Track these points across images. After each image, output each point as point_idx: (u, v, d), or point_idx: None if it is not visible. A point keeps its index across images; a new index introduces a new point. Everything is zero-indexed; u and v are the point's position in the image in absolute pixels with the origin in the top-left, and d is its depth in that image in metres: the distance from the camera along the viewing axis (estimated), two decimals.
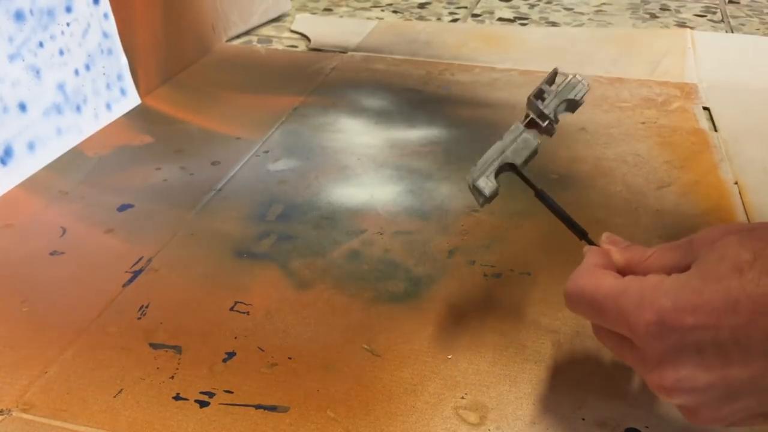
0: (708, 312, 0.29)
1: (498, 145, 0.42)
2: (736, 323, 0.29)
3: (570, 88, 0.42)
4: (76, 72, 0.71)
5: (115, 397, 0.42)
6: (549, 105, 0.41)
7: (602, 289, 0.33)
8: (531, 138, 0.42)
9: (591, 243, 0.39)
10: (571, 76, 0.42)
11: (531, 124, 0.42)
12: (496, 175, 0.41)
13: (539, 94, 0.42)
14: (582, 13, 1.11)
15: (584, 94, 0.42)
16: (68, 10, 0.69)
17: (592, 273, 0.35)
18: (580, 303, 0.35)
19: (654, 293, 0.31)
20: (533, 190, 0.41)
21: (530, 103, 0.42)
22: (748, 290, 0.29)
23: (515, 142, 0.41)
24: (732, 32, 1.02)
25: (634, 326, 0.31)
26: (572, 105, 0.42)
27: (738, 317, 0.29)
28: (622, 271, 0.35)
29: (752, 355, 0.29)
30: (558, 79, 0.42)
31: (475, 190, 0.41)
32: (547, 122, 0.41)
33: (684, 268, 0.32)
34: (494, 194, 0.41)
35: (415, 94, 0.81)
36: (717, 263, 0.30)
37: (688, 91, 0.81)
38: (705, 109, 0.77)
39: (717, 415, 0.32)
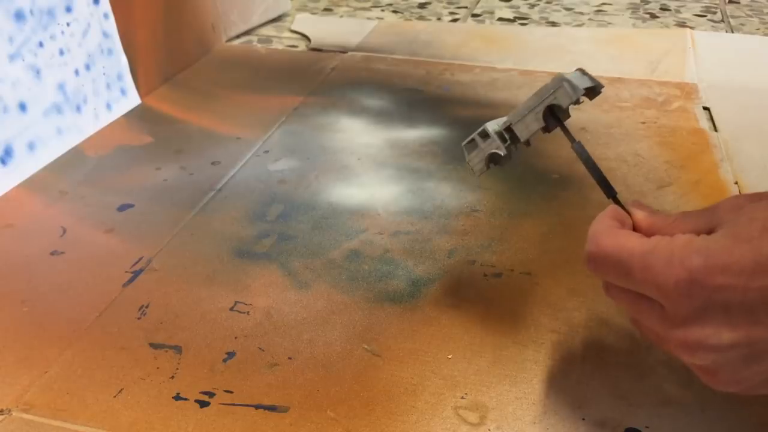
0: (738, 272, 0.29)
1: (538, 93, 0.41)
2: (766, 284, 0.29)
3: (585, 81, 0.42)
4: (76, 72, 0.71)
5: (115, 397, 0.42)
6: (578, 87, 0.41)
7: (628, 248, 0.33)
8: (578, 83, 0.40)
9: (619, 203, 0.38)
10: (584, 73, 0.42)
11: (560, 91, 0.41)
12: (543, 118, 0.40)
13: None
14: (582, 13, 1.11)
15: (581, 96, 0.42)
16: (68, 10, 0.69)
17: (614, 234, 0.34)
18: (605, 264, 0.34)
19: (684, 251, 0.31)
20: (571, 141, 0.40)
21: (561, 77, 0.41)
22: None
23: (560, 87, 0.40)
24: (732, 32, 1.02)
25: (664, 284, 0.31)
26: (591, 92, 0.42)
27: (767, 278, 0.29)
28: (645, 234, 0.35)
29: None
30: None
31: (521, 126, 0.40)
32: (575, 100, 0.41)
33: (708, 233, 0.32)
34: (530, 138, 0.41)
35: (415, 94, 0.81)
36: (747, 224, 0.30)
37: (688, 91, 0.81)
38: (705, 109, 0.77)
39: (736, 377, 0.32)
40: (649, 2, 1.15)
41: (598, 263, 0.35)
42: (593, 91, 0.42)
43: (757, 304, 0.29)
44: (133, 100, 0.78)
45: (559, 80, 0.40)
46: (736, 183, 0.62)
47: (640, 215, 0.37)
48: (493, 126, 0.42)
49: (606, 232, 0.35)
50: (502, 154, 0.41)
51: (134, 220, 0.59)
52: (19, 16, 0.64)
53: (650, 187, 0.62)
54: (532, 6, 1.14)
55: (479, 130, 0.43)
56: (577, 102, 0.41)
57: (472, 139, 0.43)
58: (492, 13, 1.11)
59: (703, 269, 0.30)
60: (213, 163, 0.67)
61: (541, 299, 0.49)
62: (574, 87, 0.40)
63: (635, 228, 0.36)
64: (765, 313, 0.29)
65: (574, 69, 0.43)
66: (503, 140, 0.42)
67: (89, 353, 0.45)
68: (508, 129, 0.41)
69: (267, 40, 1.00)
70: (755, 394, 0.33)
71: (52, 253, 0.55)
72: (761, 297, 0.29)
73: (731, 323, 0.30)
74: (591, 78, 0.42)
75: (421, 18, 1.10)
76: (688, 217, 0.34)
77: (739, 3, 1.14)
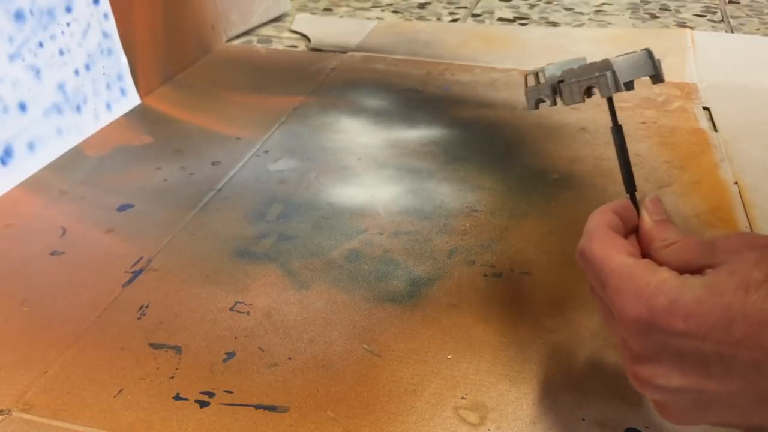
0: (700, 322, 0.29)
1: (588, 67, 0.40)
2: (726, 340, 0.28)
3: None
4: (76, 72, 0.71)
5: (115, 397, 0.42)
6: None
7: (611, 264, 0.33)
8: (625, 74, 0.39)
9: (634, 201, 0.37)
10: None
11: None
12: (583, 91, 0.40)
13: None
14: (582, 13, 1.11)
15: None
16: (68, 10, 0.69)
17: (607, 241, 0.34)
18: (589, 267, 0.34)
19: (656, 290, 0.30)
20: (613, 122, 0.39)
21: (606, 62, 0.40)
22: (747, 311, 0.28)
23: (602, 76, 0.39)
24: (732, 32, 1.02)
25: (626, 316, 0.31)
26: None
27: (729, 336, 0.28)
28: (642, 239, 0.35)
29: (732, 375, 0.29)
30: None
31: (566, 91, 0.40)
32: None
33: (698, 268, 0.31)
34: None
35: (415, 94, 0.81)
36: (726, 277, 0.29)
37: (688, 91, 0.81)
38: (705, 109, 0.77)
39: (686, 416, 0.32)
40: (649, 2, 1.15)
41: (584, 263, 0.35)
42: (652, 78, 0.40)
43: (712, 358, 0.29)
44: (133, 100, 0.78)
45: (605, 67, 0.39)
46: (736, 183, 0.62)
47: (646, 224, 0.36)
48: (551, 71, 0.41)
49: (601, 235, 0.34)
50: (548, 104, 0.41)
51: (134, 220, 0.59)
52: (19, 16, 0.64)
53: (650, 187, 0.62)
54: (532, 6, 1.14)
55: (542, 68, 0.42)
56: (624, 89, 0.39)
57: (534, 74, 0.42)
58: (492, 13, 1.11)
59: (665, 312, 0.30)
60: (213, 163, 0.67)
61: (541, 299, 0.49)
62: (616, 81, 0.39)
63: (638, 230, 0.36)
64: (719, 368, 0.29)
65: (640, 49, 0.41)
66: (553, 91, 0.41)
67: (89, 353, 0.45)
68: (558, 85, 0.41)
69: (267, 40, 1.00)
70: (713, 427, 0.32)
71: (52, 253, 0.55)
72: (717, 352, 0.29)
73: (683, 369, 0.30)
74: (651, 65, 0.40)
75: (421, 18, 1.10)
76: (688, 246, 0.34)
77: (739, 3, 1.14)
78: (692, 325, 0.29)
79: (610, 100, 0.39)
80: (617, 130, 0.38)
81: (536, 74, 0.42)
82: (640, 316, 0.30)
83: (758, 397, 0.29)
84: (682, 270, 0.32)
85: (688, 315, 0.29)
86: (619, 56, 0.39)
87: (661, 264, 0.33)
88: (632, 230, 0.36)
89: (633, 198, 0.38)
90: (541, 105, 0.42)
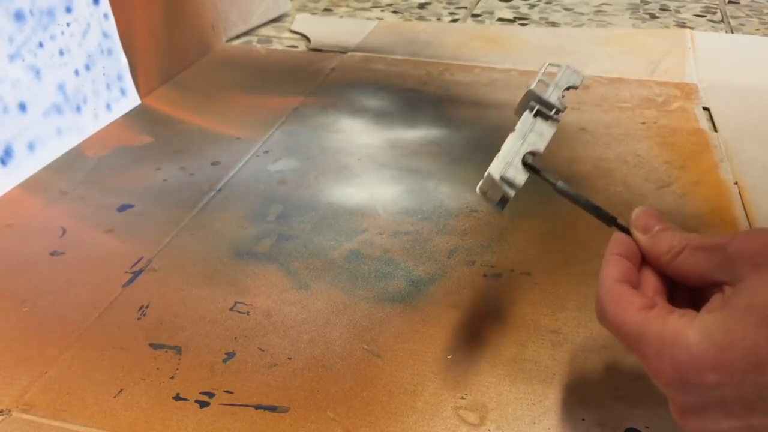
0: (731, 371, 0.28)
1: (514, 136, 0.40)
2: (761, 381, 0.28)
3: (567, 77, 0.41)
4: (76, 72, 0.71)
5: (115, 397, 0.42)
6: (552, 95, 0.41)
7: (625, 329, 0.32)
8: (547, 127, 0.40)
9: (621, 228, 0.36)
10: (564, 66, 0.41)
11: (539, 114, 0.40)
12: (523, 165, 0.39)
13: (540, 86, 0.41)
14: (582, 13, 1.11)
15: (580, 82, 0.41)
16: (68, 10, 0.69)
17: (614, 300, 0.33)
18: (608, 329, 0.33)
19: (674, 346, 0.29)
20: (551, 184, 0.39)
21: (531, 95, 0.41)
22: None
23: (532, 131, 0.40)
24: (732, 32, 1.02)
25: (657, 377, 0.31)
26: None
27: (763, 376, 0.28)
28: (649, 261, 0.34)
29: None
30: (551, 69, 0.42)
31: (504, 183, 0.38)
32: (554, 111, 0.41)
33: (715, 282, 0.31)
34: (520, 186, 0.39)
35: (415, 94, 0.81)
36: (744, 315, 0.28)
37: (688, 91, 0.81)
38: (705, 109, 0.77)
39: None
40: (649, 2, 1.15)
41: (602, 324, 0.34)
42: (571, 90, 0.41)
43: (752, 398, 0.28)
44: (133, 100, 0.78)
45: (529, 121, 0.40)
46: (736, 183, 0.62)
47: (644, 246, 0.35)
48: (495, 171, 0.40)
49: (609, 296, 0.33)
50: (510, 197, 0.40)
51: (134, 220, 0.59)
52: (19, 16, 0.64)
53: (650, 188, 0.62)
54: (532, 6, 1.14)
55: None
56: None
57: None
58: (492, 13, 1.11)
59: (693, 369, 0.29)
60: (213, 164, 0.67)
61: (541, 299, 0.49)
62: (543, 130, 0.40)
63: (642, 251, 0.35)
64: (762, 405, 0.29)
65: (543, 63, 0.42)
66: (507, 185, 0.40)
67: (89, 353, 0.45)
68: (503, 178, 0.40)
69: (267, 40, 1.00)
70: None
71: (52, 253, 0.55)
72: (756, 392, 0.28)
73: (728, 413, 0.29)
74: (567, 77, 0.41)
75: (421, 18, 1.10)
76: (696, 254, 0.32)
77: (739, 3, 1.14)
78: (724, 375, 0.28)
79: (535, 169, 0.39)
80: (561, 188, 0.38)
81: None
82: (670, 379, 0.30)
83: None
84: (699, 283, 0.31)
85: (716, 367, 0.28)
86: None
87: (677, 279, 0.33)
88: (638, 258, 0.35)
89: (619, 226, 0.37)
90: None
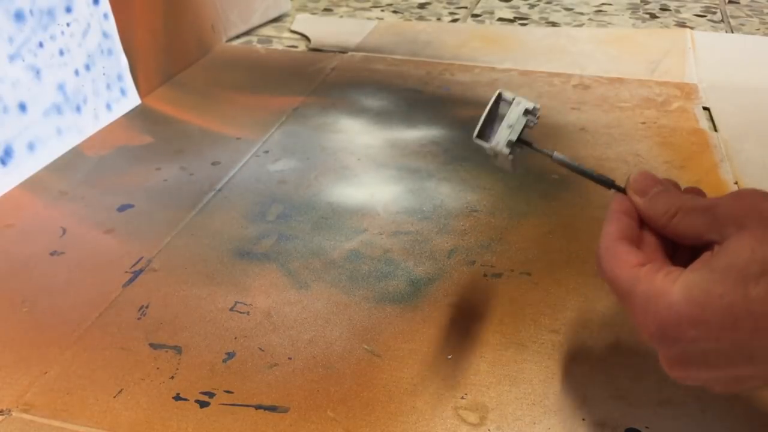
0: (709, 327, 0.30)
1: (513, 109, 0.40)
2: (738, 336, 0.29)
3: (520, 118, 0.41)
4: (76, 72, 0.71)
5: (115, 397, 0.42)
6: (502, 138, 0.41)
7: (619, 283, 0.33)
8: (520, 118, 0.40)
9: (620, 191, 0.37)
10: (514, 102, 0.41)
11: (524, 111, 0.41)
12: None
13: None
14: (582, 13, 1.11)
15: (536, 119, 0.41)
16: (68, 10, 0.69)
17: (613, 256, 0.34)
18: (605, 280, 0.35)
19: (657, 303, 0.31)
20: (548, 156, 0.39)
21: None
22: (751, 308, 0.29)
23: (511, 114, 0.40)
24: (732, 32, 1.02)
25: (641, 330, 0.32)
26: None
27: (739, 332, 0.29)
28: (647, 222, 0.35)
29: (755, 359, 0.30)
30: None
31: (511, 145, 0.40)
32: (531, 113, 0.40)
33: (708, 242, 0.32)
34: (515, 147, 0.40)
35: (415, 94, 0.81)
36: (724, 273, 0.30)
37: (688, 91, 0.81)
38: (705, 109, 0.77)
39: (732, 389, 0.33)
40: (649, 2, 1.15)
41: (600, 275, 0.35)
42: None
43: (730, 352, 0.30)
44: (133, 100, 0.78)
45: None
46: (736, 183, 0.62)
47: (640, 208, 0.36)
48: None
49: (608, 252, 0.34)
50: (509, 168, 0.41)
51: (134, 220, 0.59)
52: (19, 16, 0.64)
53: None
54: (532, 6, 1.14)
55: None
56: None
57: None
58: (492, 13, 1.11)
59: (673, 324, 0.31)
60: (213, 164, 0.67)
61: (541, 299, 0.49)
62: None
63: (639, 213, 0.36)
64: (740, 357, 0.30)
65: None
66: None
67: (89, 353, 0.45)
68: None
69: (267, 40, 1.00)
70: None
71: (52, 254, 0.55)
72: (734, 346, 0.30)
73: (709, 365, 0.31)
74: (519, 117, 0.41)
75: (421, 18, 1.10)
76: (689, 217, 0.34)
77: (739, 3, 1.14)
78: (702, 331, 0.30)
79: (529, 145, 0.40)
80: (558, 157, 0.39)
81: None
82: (652, 333, 0.32)
83: None
84: (695, 243, 0.33)
85: (695, 323, 0.30)
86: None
87: (675, 239, 0.34)
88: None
89: (618, 189, 0.37)
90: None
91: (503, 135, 0.40)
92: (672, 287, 0.31)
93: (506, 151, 0.40)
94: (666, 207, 0.34)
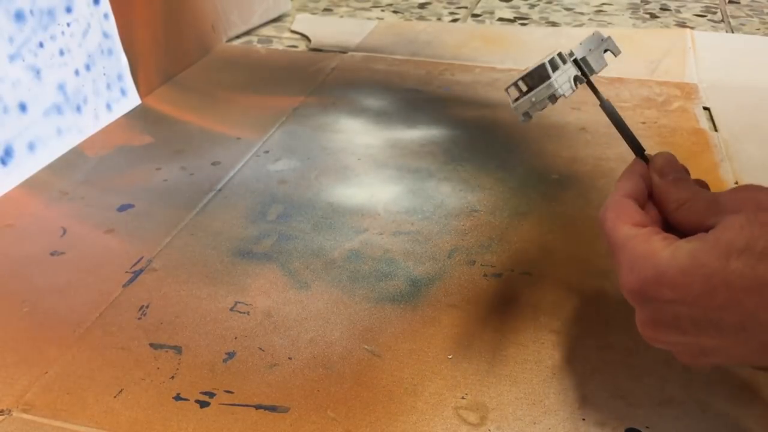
0: (686, 292, 0.31)
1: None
2: (711, 306, 0.31)
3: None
4: (77, 72, 0.71)
5: (115, 397, 0.42)
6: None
7: (616, 235, 0.35)
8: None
9: (645, 161, 0.39)
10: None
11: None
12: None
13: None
14: (582, 13, 1.11)
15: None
16: (68, 10, 0.69)
17: (619, 209, 0.36)
18: (602, 233, 0.36)
19: (645, 262, 0.33)
20: (599, 98, 0.41)
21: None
22: (728, 279, 0.30)
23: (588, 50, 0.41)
24: (732, 32, 1.02)
25: (622, 286, 0.34)
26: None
27: (713, 302, 0.31)
28: (656, 201, 0.37)
29: (723, 333, 0.32)
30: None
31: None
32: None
33: (707, 228, 0.33)
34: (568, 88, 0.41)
35: (415, 94, 0.81)
36: (711, 247, 0.31)
37: (688, 91, 0.81)
38: (705, 109, 0.77)
39: (696, 361, 0.35)
40: (649, 2, 1.15)
41: (600, 230, 0.37)
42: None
43: (701, 320, 0.32)
44: (133, 100, 0.78)
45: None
46: (736, 183, 0.62)
47: (657, 186, 0.37)
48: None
49: (615, 204, 0.36)
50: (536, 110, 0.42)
51: (134, 220, 0.59)
52: (19, 16, 0.64)
53: None
54: (532, 6, 1.14)
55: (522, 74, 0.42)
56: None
57: (515, 84, 0.42)
58: (492, 13, 1.11)
59: (653, 283, 0.32)
60: (213, 164, 0.67)
61: (541, 299, 0.49)
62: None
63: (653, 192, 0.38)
64: (709, 327, 0.32)
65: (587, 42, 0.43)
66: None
67: (89, 353, 0.45)
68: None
69: (267, 40, 1.00)
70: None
71: (52, 254, 0.55)
72: (705, 316, 0.32)
73: (679, 329, 0.33)
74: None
75: (421, 18, 1.10)
76: (698, 205, 0.35)
77: (739, 3, 1.14)
78: (679, 293, 0.32)
79: (589, 81, 0.42)
80: (607, 106, 0.41)
81: (517, 84, 0.41)
82: (632, 288, 0.33)
83: (750, 349, 0.32)
84: (695, 230, 0.34)
85: (674, 285, 0.32)
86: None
87: (675, 225, 0.36)
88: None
89: (644, 159, 0.39)
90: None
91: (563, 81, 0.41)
92: (662, 250, 0.32)
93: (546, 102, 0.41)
94: (677, 196, 0.36)
